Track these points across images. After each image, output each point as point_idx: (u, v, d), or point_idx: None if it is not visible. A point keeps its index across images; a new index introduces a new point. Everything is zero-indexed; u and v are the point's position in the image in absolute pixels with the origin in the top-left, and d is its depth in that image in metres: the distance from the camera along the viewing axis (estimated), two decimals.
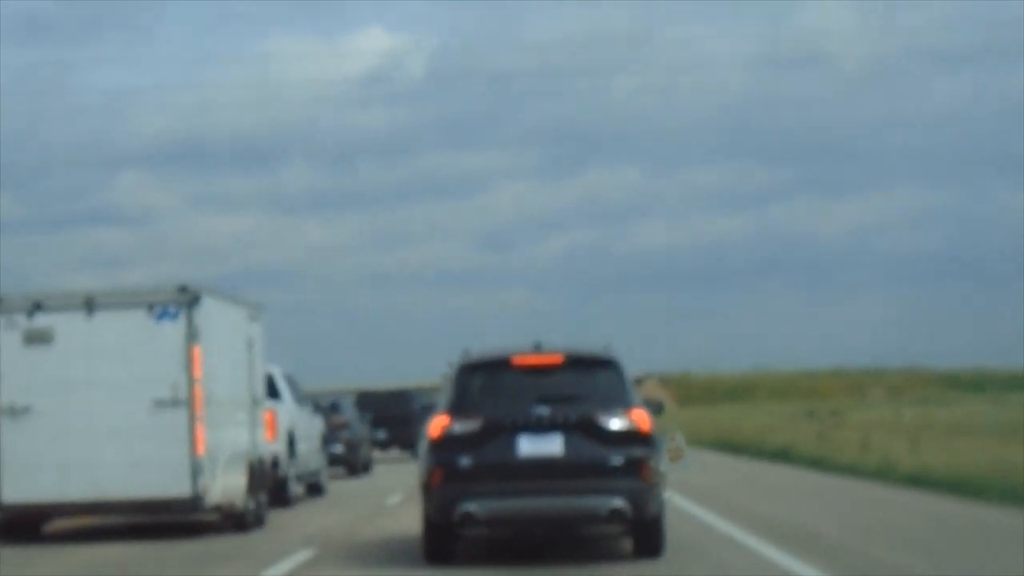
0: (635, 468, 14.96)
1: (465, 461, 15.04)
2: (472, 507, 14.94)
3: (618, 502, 14.86)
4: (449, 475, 15.06)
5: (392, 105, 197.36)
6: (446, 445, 15.16)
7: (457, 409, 15.34)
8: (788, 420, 71.32)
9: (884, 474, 27.45)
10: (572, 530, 16.35)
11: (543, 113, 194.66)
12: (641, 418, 15.22)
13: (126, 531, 21.17)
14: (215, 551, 18.49)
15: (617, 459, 14.96)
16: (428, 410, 61.40)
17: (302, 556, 17.27)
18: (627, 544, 16.05)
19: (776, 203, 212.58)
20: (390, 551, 17.60)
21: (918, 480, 25.34)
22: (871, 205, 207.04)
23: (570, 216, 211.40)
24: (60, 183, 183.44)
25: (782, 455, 37.33)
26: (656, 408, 16.28)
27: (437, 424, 15.35)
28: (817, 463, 32.79)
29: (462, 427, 15.18)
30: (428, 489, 15.36)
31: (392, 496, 27.93)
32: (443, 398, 15.80)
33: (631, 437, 15.08)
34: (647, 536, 15.52)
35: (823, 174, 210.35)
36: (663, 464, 15.11)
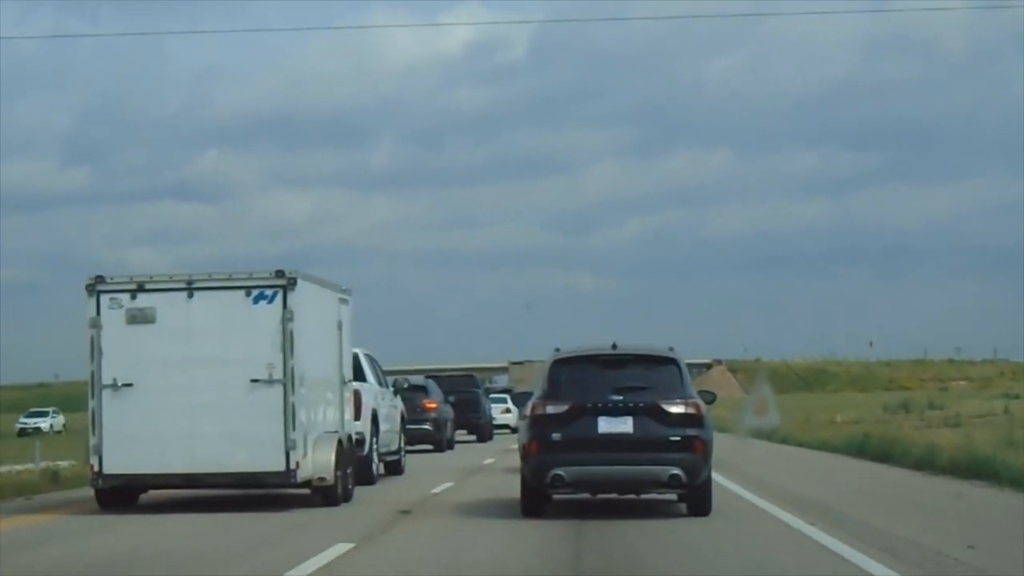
0: (689, 444, 19.25)
1: (556, 435, 19.36)
2: (561, 472, 19.26)
3: (675, 470, 19.12)
4: (543, 446, 19.43)
5: (485, 83, 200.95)
6: (541, 422, 19.57)
7: (550, 395, 19.74)
8: (886, 413, 67.08)
9: None
10: (638, 492, 20.42)
11: (638, 92, 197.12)
12: (695, 405, 19.52)
13: (221, 501, 23.11)
14: (315, 520, 20.42)
15: (675, 436, 19.25)
16: (491, 393, 63.59)
17: (402, 519, 19.83)
18: (681, 506, 20.26)
19: (859, 191, 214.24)
20: (483, 510, 21.29)
21: None
22: (960, 194, 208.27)
23: (652, 199, 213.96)
24: (142, 157, 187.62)
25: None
26: (709, 398, 20.29)
27: (535, 406, 19.73)
28: None
29: (554, 409, 19.54)
30: (526, 456, 19.72)
31: (482, 466, 32.16)
32: (538, 386, 20.19)
33: (687, 420, 19.38)
34: (698, 499, 19.82)
35: (910, 162, 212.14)
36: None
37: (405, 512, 20.68)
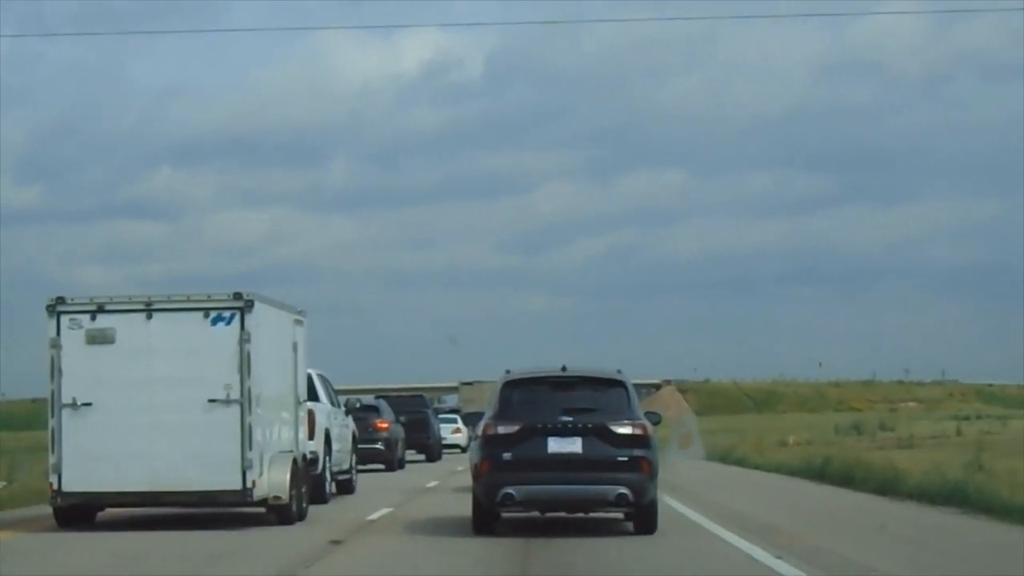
0: (636, 464, 20.04)
1: (507, 455, 20.11)
2: (511, 490, 20.01)
3: (623, 489, 19.87)
4: (494, 465, 20.19)
5: (441, 105, 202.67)
6: (492, 443, 20.32)
7: (501, 415, 20.48)
8: (838, 434, 67.49)
9: None
10: (587, 510, 21.14)
11: (594, 114, 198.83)
12: (642, 426, 20.34)
13: (178, 520, 23.71)
14: (271, 540, 21.05)
15: (623, 457, 20.01)
16: (439, 414, 64.50)
17: (337, 546, 20.17)
18: (628, 525, 21.08)
19: (812, 213, 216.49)
20: (435, 529, 22.10)
21: None
22: (910, 217, 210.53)
23: (607, 220, 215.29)
24: (97, 176, 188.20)
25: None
26: (655, 419, 21.14)
27: (486, 426, 20.49)
28: None
29: (505, 429, 20.29)
30: (478, 476, 20.48)
31: (426, 488, 32.62)
32: (489, 406, 20.95)
33: (634, 440, 20.17)
34: (644, 518, 20.60)
35: (863, 184, 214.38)
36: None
37: (336, 542, 20.52)
